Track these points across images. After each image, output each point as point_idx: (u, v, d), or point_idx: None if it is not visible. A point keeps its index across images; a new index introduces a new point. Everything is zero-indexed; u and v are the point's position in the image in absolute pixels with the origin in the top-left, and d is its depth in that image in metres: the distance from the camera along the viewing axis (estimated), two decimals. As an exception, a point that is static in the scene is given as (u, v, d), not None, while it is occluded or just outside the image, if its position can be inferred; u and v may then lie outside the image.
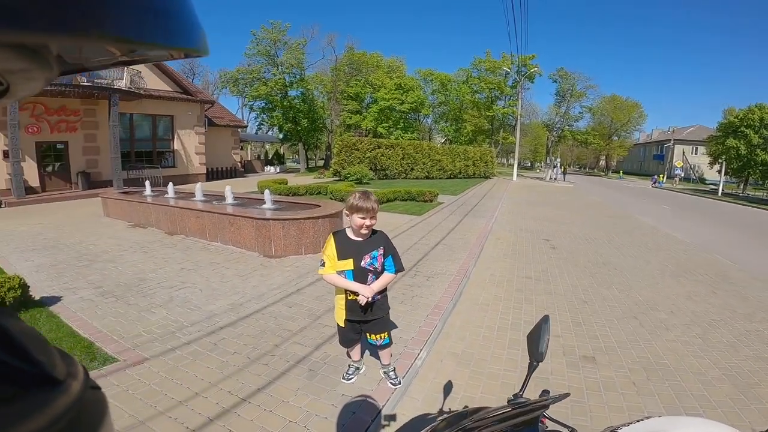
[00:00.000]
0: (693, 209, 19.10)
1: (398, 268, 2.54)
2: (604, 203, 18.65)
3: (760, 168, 28.94)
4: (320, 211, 6.74)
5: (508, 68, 35.72)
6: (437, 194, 14.08)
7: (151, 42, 0.23)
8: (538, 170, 49.10)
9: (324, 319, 3.92)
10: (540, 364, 1.40)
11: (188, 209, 7.53)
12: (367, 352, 3.20)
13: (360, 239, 2.43)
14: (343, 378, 2.91)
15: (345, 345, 2.84)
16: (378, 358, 3.02)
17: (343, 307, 2.54)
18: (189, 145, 19.96)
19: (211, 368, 3.03)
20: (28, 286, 4.10)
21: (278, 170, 31.29)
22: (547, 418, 1.21)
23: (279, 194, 11.79)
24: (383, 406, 2.65)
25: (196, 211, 7.36)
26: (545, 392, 1.34)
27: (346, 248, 2.40)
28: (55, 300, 4.27)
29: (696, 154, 48.88)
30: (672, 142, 48.72)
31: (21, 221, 9.30)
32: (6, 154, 12.66)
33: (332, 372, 3.02)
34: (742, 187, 33.04)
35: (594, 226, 11.39)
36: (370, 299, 2.40)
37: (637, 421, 1.31)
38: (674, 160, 42.25)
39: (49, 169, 14.98)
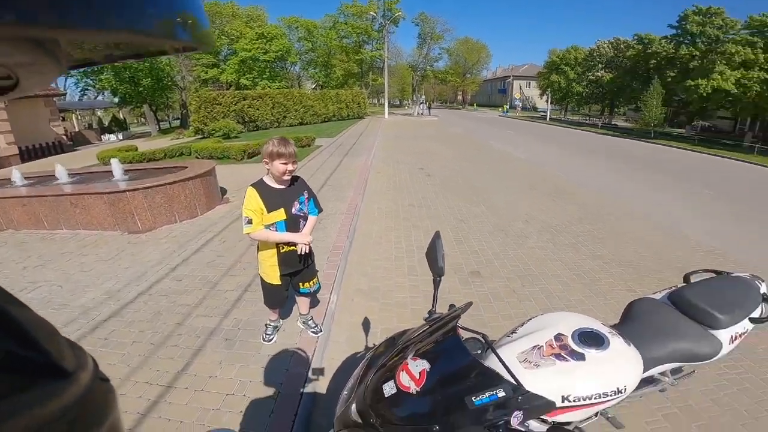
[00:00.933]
0: (529, 132, 22.83)
1: (320, 210, 2.53)
2: (464, 133, 20.98)
3: (576, 98, 36.60)
4: (189, 172, 6.04)
5: (375, 13, 37.90)
6: (314, 138, 13.82)
7: (161, 36, 0.23)
8: (406, 107, 53.67)
9: (222, 285, 3.73)
10: (442, 278, 1.58)
11: (9, 198, 5.98)
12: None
13: (283, 187, 2.31)
14: (264, 339, 2.85)
15: (276, 305, 2.72)
16: (296, 310, 3.00)
17: (276, 264, 2.42)
18: (-19, 121, 15.26)
19: (113, 364, 2.69)
20: None
21: (121, 137, 26.74)
22: (460, 328, 1.39)
23: (130, 163, 10.10)
24: (312, 356, 2.68)
25: (22, 198, 5.90)
26: (452, 306, 1.54)
27: (273, 199, 2.26)
28: None
29: (530, 87, 59.44)
30: (511, 78, 59.08)
31: None
32: None
33: (250, 336, 2.94)
34: (563, 113, 41.35)
35: (459, 154, 12.82)
36: (309, 246, 2.36)
37: (523, 323, 1.60)
38: (514, 93, 51.44)
39: None
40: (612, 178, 9.89)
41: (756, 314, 1.81)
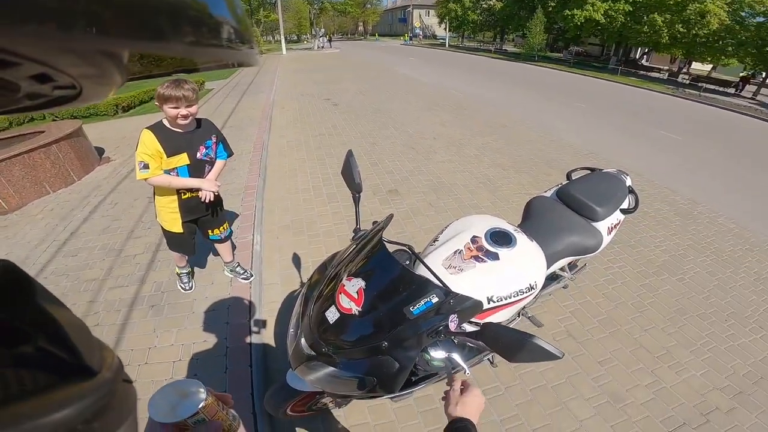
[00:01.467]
0: (430, 58, 22.99)
1: (229, 153, 2.35)
2: (367, 62, 20.29)
3: (471, 25, 38.11)
4: (48, 136, 5.03)
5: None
6: (204, 81, 12.28)
7: (225, 53, 0.24)
8: (305, 42, 51.27)
9: (128, 249, 3.35)
10: (361, 195, 1.55)
11: None
12: (207, 260, 2.97)
13: (185, 131, 2.06)
14: (184, 289, 2.70)
15: (183, 252, 2.53)
16: (218, 256, 2.82)
17: (177, 210, 2.24)
18: None
19: None
20: None
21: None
22: (387, 241, 1.37)
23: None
24: (251, 303, 2.59)
25: None
26: (375, 222, 1.50)
27: (174, 142, 2.03)
28: None
29: (429, 16, 59.79)
30: (411, 7, 58.81)
31: None
32: None
33: (176, 297, 2.72)
34: (460, 40, 43.04)
35: (363, 82, 12.50)
36: (216, 192, 2.19)
37: (442, 231, 1.66)
38: (414, 22, 52.74)
39: None
40: (504, 95, 10.71)
41: (625, 205, 2.09)
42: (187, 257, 2.67)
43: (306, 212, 3.92)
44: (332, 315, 1.22)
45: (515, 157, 5.47)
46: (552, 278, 2.09)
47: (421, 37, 48.95)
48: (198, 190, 2.18)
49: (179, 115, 1.96)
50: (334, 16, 60.52)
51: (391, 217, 1.52)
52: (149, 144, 1.97)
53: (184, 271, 2.73)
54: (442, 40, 42.60)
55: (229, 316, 2.51)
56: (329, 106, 8.74)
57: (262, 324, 2.53)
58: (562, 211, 2.01)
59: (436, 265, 1.42)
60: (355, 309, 1.19)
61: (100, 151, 6.27)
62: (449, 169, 4.94)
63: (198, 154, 2.13)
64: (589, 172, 2.38)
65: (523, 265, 1.50)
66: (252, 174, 4.58)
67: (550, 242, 1.78)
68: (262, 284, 2.89)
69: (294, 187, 4.48)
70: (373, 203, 4.04)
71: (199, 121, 2.17)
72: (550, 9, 26.13)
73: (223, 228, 2.56)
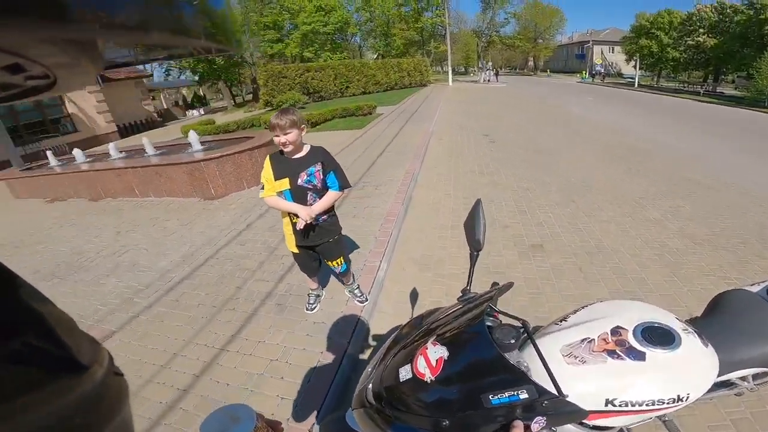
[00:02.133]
0: (612, 99, 20.09)
1: (343, 184, 2.33)
2: (536, 99, 19.26)
3: (671, 64, 33.62)
4: (253, 142, 6.35)
5: (430, -21, 36.65)
6: (375, 106, 13.71)
7: (202, 40, 0.24)
8: (471, 74, 52.49)
9: (280, 250, 3.88)
10: (479, 254, 1.40)
11: (107, 170, 6.80)
12: (331, 276, 3.18)
13: (292, 156, 2.25)
14: (306, 309, 2.87)
15: (306, 272, 2.72)
16: (340, 280, 3.00)
17: (292, 233, 2.40)
18: (86, 106, 17.45)
19: (180, 326, 2.95)
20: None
21: (203, 112, 29.17)
22: (498, 312, 1.24)
23: (208, 135, 10.91)
24: (356, 326, 2.66)
25: (117, 170, 6.66)
26: (494, 284, 1.35)
27: (281, 167, 2.25)
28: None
29: (612, 53, 54.80)
30: (591, 42, 54.37)
31: None
32: None
33: (300, 302, 2.99)
34: (655, 80, 37.26)
35: (527, 120, 11.82)
36: (309, 221, 2.21)
37: (576, 310, 1.38)
38: (594, 59, 48.39)
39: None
40: (712, 148, 8.25)
41: None
42: (317, 280, 2.85)
43: (438, 250, 3.86)
44: (405, 373, 1.15)
45: (716, 228, 4.18)
46: (722, 384, 1.53)
47: (602, 74, 44.62)
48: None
49: (279, 142, 2.15)
50: (502, 50, 59.61)
51: (509, 286, 1.34)
52: (266, 168, 2.28)
53: (314, 292, 2.91)
54: (629, 79, 37.65)
55: (332, 333, 2.63)
56: (486, 142, 8.58)
57: (360, 348, 2.57)
58: None
59: (552, 349, 1.19)
60: (428, 376, 1.10)
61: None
62: (615, 231, 4.14)
63: (299, 180, 2.23)
64: None
65: (679, 373, 1.14)
66: (396, 202, 4.77)
67: (736, 347, 1.34)
68: (374, 310, 2.95)
69: (433, 221, 4.48)
70: (510, 256, 3.70)
71: (312, 149, 2.31)
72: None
73: (337, 262, 2.61)
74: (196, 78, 33.61)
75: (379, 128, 10.56)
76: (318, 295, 2.94)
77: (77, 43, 0.20)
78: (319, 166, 2.26)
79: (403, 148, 7.82)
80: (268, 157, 2.30)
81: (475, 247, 1.37)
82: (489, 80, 35.22)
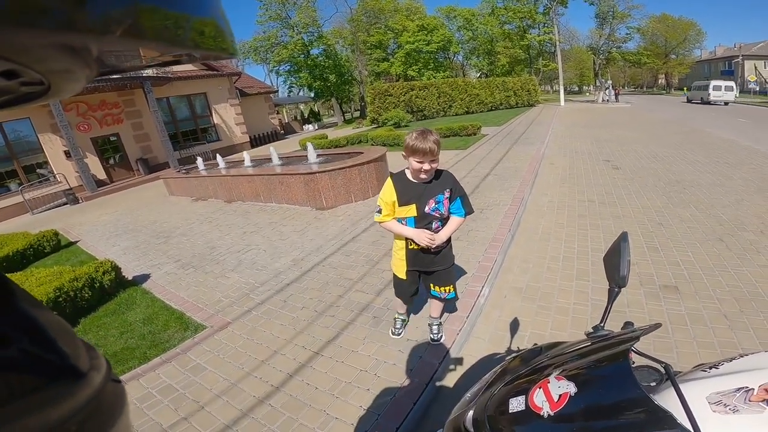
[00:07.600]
0: None
1: (468, 211, 2.22)
2: (670, 120, 16.79)
3: None
4: (363, 157, 6.70)
5: (536, -5, 35.33)
6: (480, 126, 13.44)
7: (191, 46, 0.24)
8: (587, 93, 48.75)
9: (382, 264, 3.99)
10: (620, 290, 1.28)
11: (240, 176, 7.84)
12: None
13: (422, 182, 2.11)
14: (393, 333, 2.82)
15: (402, 297, 2.60)
16: (440, 308, 2.79)
17: (404, 258, 2.31)
18: (228, 117, 20.45)
19: (284, 325, 3.20)
20: (120, 268, 4.53)
21: (316, 127, 31.80)
22: (634, 352, 1.11)
23: (321, 148, 11.89)
24: (449, 349, 2.62)
25: (248, 177, 7.64)
26: (628, 324, 1.23)
27: (407, 192, 2.09)
28: (145, 277, 4.69)
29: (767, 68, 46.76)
30: (741, 57, 47.62)
31: (100, 212, 10.24)
32: (68, 154, 13.71)
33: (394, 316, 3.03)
34: None
35: (661, 144, 10.29)
36: (433, 249, 2.14)
37: (732, 359, 1.18)
38: (747, 75, 41.39)
39: (111, 161, 16.08)
40: None
41: None
42: (407, 306, 2.77)
43: (546, 281, 3.56)
44: (517, 404, 1.06)
45: None
46: None
47: (757, 91, 37.81)
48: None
49: (422, 170, 1.98)
50: (624, 67, 54.15)
51: (656, 326, 1.16)
52: (387, 192, 2.12)
53: (401, 317, 2.86)
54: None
55: (425, 353, 2.62)
56: (607, 168, 7.72)
57: (449, 371, 2.51)
58: None
59: (698, 395, 1.02)
60: (546, 411, 0.99)
61: (391, 176, 7.84)
62: (776, 277, 3.37)
63: (426, 208, 2.10)
64: None
65: None
66: (502, 228, 4.57)
67: None
68: (470, 335, 2.86)
69: (542, 251, 4.16)
70: (636, 295, 3.23)
71: (439, 173, 2.13)
72: None
73: (447, 290, 2.43)
74: (312, 95, 37.38)
75: (484, 149, 10.31)
76: (404, 321, 2.89)
77: (72, 50, 0.20)
78: (447, 193, 2.14)
79: (509, 172, 7.48)
80: (390, 179, 2.15)
81: (619, 284, 1.26)
82: (609, 100, 31.82)
